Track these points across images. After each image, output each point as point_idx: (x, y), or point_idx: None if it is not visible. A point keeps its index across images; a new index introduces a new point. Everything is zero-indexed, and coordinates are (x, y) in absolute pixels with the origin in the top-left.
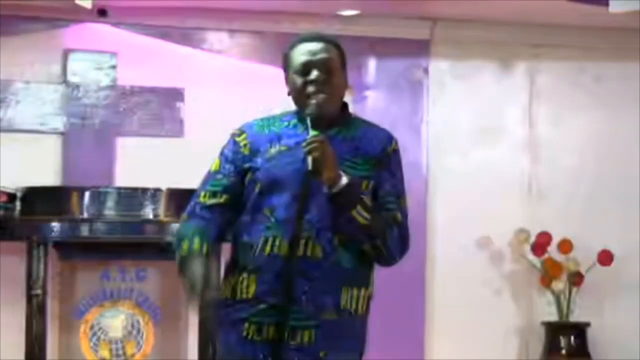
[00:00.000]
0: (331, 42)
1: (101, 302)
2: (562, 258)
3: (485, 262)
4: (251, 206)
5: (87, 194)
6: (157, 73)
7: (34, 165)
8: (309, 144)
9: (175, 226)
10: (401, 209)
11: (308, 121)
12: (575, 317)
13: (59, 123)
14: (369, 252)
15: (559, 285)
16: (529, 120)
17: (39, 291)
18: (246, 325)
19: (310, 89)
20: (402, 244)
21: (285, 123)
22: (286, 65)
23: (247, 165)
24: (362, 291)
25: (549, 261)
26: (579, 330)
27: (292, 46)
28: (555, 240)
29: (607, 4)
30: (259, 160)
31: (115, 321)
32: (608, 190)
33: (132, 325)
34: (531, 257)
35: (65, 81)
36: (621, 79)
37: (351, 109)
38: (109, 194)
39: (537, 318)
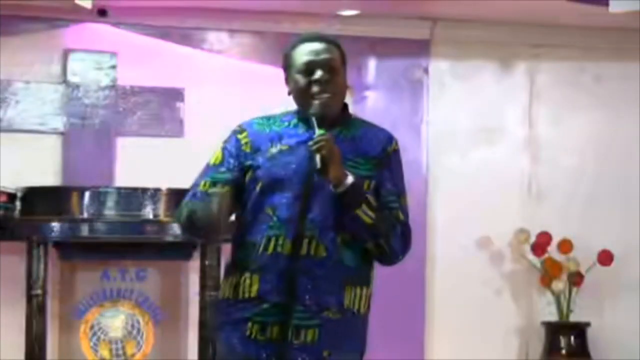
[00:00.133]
0: (332, 42)
1: (101, 302)
2: (562, 258)
3: (485, 262)
4: (252, 205)
5: (87, 194)
6: (157, 73)
7: (34, 165)
8: (316, 142)
9: (175, 226)
10: (403, 208)
11: (313, 120)
12: (575, 317)
13: (59, 123)
14: (372, 251)
15: (559, 285)
16: (529, 120)
17: (39, 291)
18: (249, 324)
19: (315, 88)
20: (405, 242)
21: (286, 123)
22: (287, 65)
23: (248, 162)
24: (364, 290)
25: (549, 261)
26: (579, 330)
27: (293, 46)
28: (555, 240)
29: (607, 4)
30: (259, 159)
31: (115, 321)
32: (608, 190)
33: (132, 325)
34: (531, 257)
35: (65, 81)
36: (621, 79)
37: (351, 109)
38: (109, 194)
39: (537, 318)
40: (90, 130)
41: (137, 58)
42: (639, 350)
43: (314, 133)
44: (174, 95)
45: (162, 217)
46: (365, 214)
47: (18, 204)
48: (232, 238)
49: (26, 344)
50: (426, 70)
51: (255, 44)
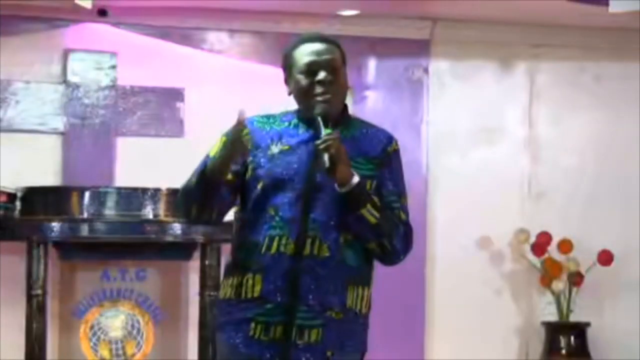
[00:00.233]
0: (332, 42)
1: (101, 302)
2: (562, 258)
3: (485, 262)
4: (253, 205)
5: (87, 194)
6: (157, 73)
7: (34, 165)
8: (324, 141)
9: (175, 226)
10: (404, 208)
11: (319, 120)
12: (575, 317)
13: (59, 123)
14: (374, 251)
15: (559, 285)
16: (529, 120)
17: (39, 291)
18: (252, 325)
19: (318, 89)
20: (407, 242)
21: (286, 123)
22: (288, 65)
23: (249, 158)
24: (366, 290)
25: (549, 261)
26: (579, 330)
27: (294, 46)
28: (555, 240)
29: (607, 4)
30: (260, 157)
31: (115, 321)
32: (608, 190)
33: (132, 325)
34: (531, 257)
35: (65, 81)
36: (621, 79)
37: (351, 109)
38: (109, 194)
39: (537, 318)
40: (90, 130)
41: (137, 58)
42: (639, 350)
43: (314, 133)
44: (174, 95)
45: (162, 217)
46: (370, 214)
47: (18, 204)
48: (232, 238)
49: (26, 344)
50: (426, 70)
51: (255, 44)
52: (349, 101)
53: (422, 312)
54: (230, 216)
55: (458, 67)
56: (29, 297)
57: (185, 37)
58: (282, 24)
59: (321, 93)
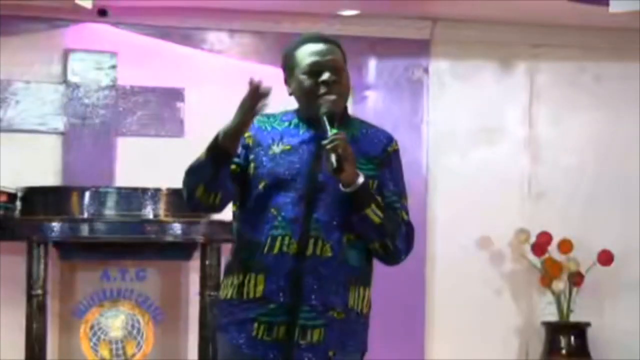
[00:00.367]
0: (334, 42)
1: (101, 302)
2: (562, 258)
3: (485, 262)
4: (254, 204)
5: (87, 194)
6: (157, 73)
7: (34, 165)
8: (331, 141)
9: (175, 226)
10: (405, 208)
11: (324, 120)
12: (575, 317)
13: (59, 123)
14: (377, 251)
15: (559, 285)
16: (529, 120)
17: (39, 291)
18: (255, 325)
19: (323, 90)
20: (409, 242)
21: (286, 123)
22: (289, 65)
23: (251, 156)
24: (367, 290)
25: (549, 261)
26: (579, 330)
27: (295, 47)
28: (555, 240)
29: (607, 4)
30: (262, 155)
31: (115, 321)
32: (608, 190)
33: (132, 325)
34: (531, 257)
35: (65, 81)
36: (621, 79)
37: (351, 109)
38: (109, 194)
39: (537, 318)
40: (90, 130)
41: (137, 58)
42: (639, 350)
43: (315, 132)
44: (174, 95)
45: (162, 217)
46: (375, 214)
47: (18, 204)
48: (233, 236)
49: (26, 343)
50: (426, 70)
51: (255, 44)
52: (349, 101)
53: (422, 312)
54: (230, 216)
55: (458, 67)
56: (29, 297)
57: (185, 37)
58: (282, 24)
59: (326, 93)
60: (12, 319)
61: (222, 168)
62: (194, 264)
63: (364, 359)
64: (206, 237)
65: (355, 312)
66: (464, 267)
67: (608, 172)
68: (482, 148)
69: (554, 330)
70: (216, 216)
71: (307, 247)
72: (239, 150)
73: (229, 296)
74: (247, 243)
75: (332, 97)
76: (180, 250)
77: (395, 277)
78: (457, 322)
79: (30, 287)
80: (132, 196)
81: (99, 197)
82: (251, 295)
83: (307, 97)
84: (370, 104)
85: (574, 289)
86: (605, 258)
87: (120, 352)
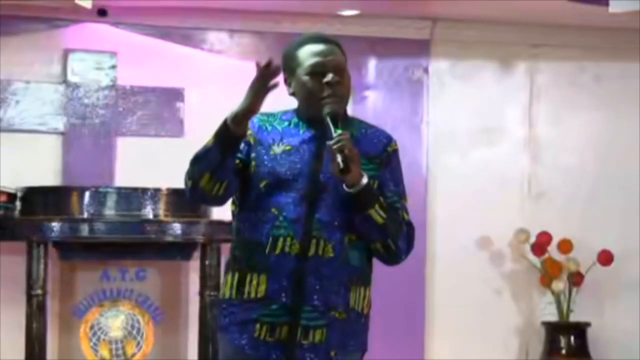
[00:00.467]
0: (334, 42)
1: (101, 302)
2: (562, 258)
3: (485, 262)
4: (255, 203)
5: (87, 194)
6: (157, 73)
7: (34, 165)
8: (337, 141)
9: (175, 226)
10: (405, 209)
11: (328, 121)
12: (575, 317)
13: (59, 123)
14: (378, 251)
15: (559, 285)
16: (529, 120)
17: (39, 291)
18: (257, 326)
19: (327, 91)
20: (410, 242)
21: (286, 123)
22: (290, 66)
23: (253, 154)
24: (367, 290)
25: (549, 261)
26: (579, 330)
27: (297, 47)
28: (555, 240)
29: (607, 4)
30: (263, 154)
31: (115, 321)
32: (608, 190)
33: (132, 325)
34: (531, 257)
35: (65, 81)
36: (621, 78)
37: (351, 109)
38: (109, 194)
39: (537, 318)
40: (90, 130)
41: (137, 58)
42: (639, 350)
43: (315, 132)
44: (174, 95)
45: (162, 217)
46: (378, 214)
47: (18, 204)
48: (232, 236)
49: (26, 343)
50: (426, 70)
51: (255, 44)
52: (348, 101)
53: (422, 312)
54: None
55: (458, 67)
56: (29, 297)
57: (185, 37)
58: (282, 24)
59: (330, 94)
60: (12, 318)
61: (230, 154)
62: (194, 264)
63: (363, 358)
64: (206, 237)
65: (356, 312)
66: (464, 267)
67: (608, 172)
68: (482, 148)
69: (554, 330)
70: (216, 216)
71: (309, 247)
72: (242, 146)
73: (228, 295)
74: (247, 242)
75: (336, 97)
76: (180, 250)
77: (395, 277)
78: (457, 322)
79: (30, 287)
80: (132, 196)
81: (99, 197)
82: (252, 295)
83: (310, 98)
84: (370, 104)
85: (574, 289)
86: (605, 258)
87: (120, 352)
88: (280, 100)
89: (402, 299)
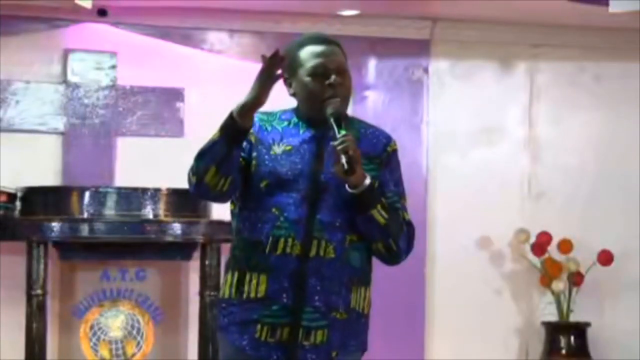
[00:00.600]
0: (335, 42)
1: (101, 302)
2: (562, 258)
3: (485, 262)
4: (255, 203)
5: (87, 194)
6: (157, 73)
7: (34, 165)
8: (341, 142)
9: (175, 226)
10: (405, 209)
11: (332, 122)
12: (575, 317)
13: (59, 123)
14: (379, 251)
15: (559, 285)
16: (529, 120)
17: (39, 291)
18: (258, 326)
19: (329, 92)
20: (410, 242)
21: (286, 122)
22: (291, 66)
23: (254, 153)
24: (368, 291)
25: (549, 261)
26: (579, 330)
27: (298, 48)
28: (555, 240)
29: (607, 4)
30: (263, 153)
31: (115, 321)
32: (608, 190)
33: (132, 325)
34: (531, 257)
35: (65, 81)
36: (621, 78)
37: (351, 109)
38: (109, 194)
39: (537, 318)
40: (90, 130)
41: (137, 58)
42: (639, 350)
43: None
44: (174, 95)
45: (162, 217)
46: (380, 215)
47: (18, 204)
48: (232, 235)
49: (26, 343)
50: (426, 70)
51: (255, 44)
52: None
53: (422, 312)
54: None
55: (458, 67)
56: (29, 297)
57: (185, 37)
58: (282, 24)
59: (332, 95)
60: (12, 319)
61: (236, 147)
62: (194, 264)
63: (363, 357)
64: (206, 237)
65: (356, 312)
66: (464, 267)
67: (608, 172)
68: (482, 148)
69: (554, 330)
70: (216, 216)
71: (310, 248)
72: (244, 144)
73: (227, 295)
74: (247, 242)
75: (338, 98)
76: (180, 250)
77: (395, 277)
78: (457, 322)
79: (30, 287)
80: (132, 196)
81: (99, 197)
82: (252, 295)
83: (312, 99)
84: (370, 104)
85: (574, 289)
86: (605, 258)
87: (120, 352)
88: (280, 100)
89: (402, 299)
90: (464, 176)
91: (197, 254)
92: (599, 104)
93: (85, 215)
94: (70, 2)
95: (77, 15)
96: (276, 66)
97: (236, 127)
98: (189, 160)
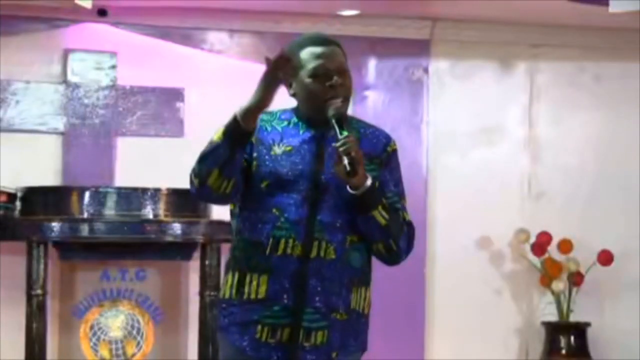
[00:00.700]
0: (336, 43)
1: (101, 302)
2: (562, 258)
3: (485, 262)
4: (256, 203)
5: (87, 194)
6: (157, 73)
7: (34, 165)
8: (343, 144)
9: (175, 226)
10: (405, 209)
11: (334, 123)
12: (575, 317)
13: (59, 123)
14: (379, 252)
15: (559, 285)
16: (529, 120)
17: (39, 291)
18: (259, 327)
19: (331, 93)
20: (410, 243)
21: (285, 122)
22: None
23: (255, 153)
24: (368, 291)
25: (549, 261)
26: (579, 330)
27: (299, 48)
28: (555, 240)
29: (607, 4)
30: (264, 154)
31: (115, 321)
32: (608, 190)
33: (132, 325)
34: (531, 257)
35: (65, 81)
36: (621, 78)
37: (351, 109)
38: (109, 194)
39: (537, 318)
40: (90, 130)
41: (137, 58)
42: (639, 350)
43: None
44: (174, 95)
45: (162, 217)
46: (381, 215)
47: (18, 204)
48: (232, 235)
49: (26, 343)
50: (426, 70)
51: (255, 44)
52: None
53: (422, 312)
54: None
55: (458, 67)
56: (29, 297)
57: (185, 37)
58: (282, 24)
59: (334, 96)
60: (12, 319)
61: (239, 149)
62: (194, 264)
63: (363, 357)
64: (206, 237)
65: (357, 312)
66: (464, 267)
67: (608, 172)
68: (482, 148)
69: (554, 330)
70: (216, 216)
71: (311, 249)
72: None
73: (228, 295)
74: (247, 242)
75: (339, 100)
76: (180, 250)
77: (395, 277)
78: (457, 322)
79: (30, 287)
80: (132, 196)
81: (99, 197)
82: (252, 296)
83: (313, 100)
84: (370, 104)
85: (574, 289)
86: (605, 258)
87: (120, 352)
88: (280, 99)
89: (402, 299)
90: (464, 176)
91: (197, 254)
92: (599, 104)
93: (85, 215)
94: (70, 2)
95: (77, 15)
96: (282, 68)
97: (240, 130)
98: (189, 160)
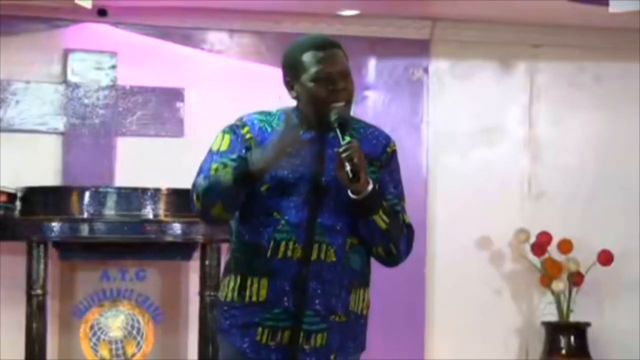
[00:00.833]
0: (337, 45)
1: (101, 302)
2: (562, 258)
3: (485, 262)
4: (256, 206)
5: (87, 194)
6: (157, 73)
7: (34, 165)
8: (346, 150)
9: (175, 226)
10: (404, 211)
11: (336, 127)
12: (575, 317)
13: (59, 123)
14: (379, 254)
15: (559, 285)
16: (529, 120)
17: (39, 291)
18: (259, 330)
19: (333, 97)
20: (410, 245)
21: (285, 123)
22: (294, 70)
23: None
24: (367, 292)
25: (549, 261)
26: (579, 330)
27: (301, 52)
28: (555, 240)
29: (607, 4)
30: None
31: (115, 321)
32: (608, 190)
33: (132, 325)
34: (531, 257)
35: (65, 81)
36: (621, 78)
37: (352, 109)
38: (109, 194)
39: (537, 318)
40: (90, 130)
41: (137, 58)
42: (639, 350)
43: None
44: (174, 95)
45: (162, 217)
46: (382, 219)
47: (18, 204)
48: (233, 237)
49: (26, 343)
50: (426, 70)
51: (255, 44)
52: None
53: (422, 312)
54: None
55: (458, 67)
56: (29, 297)
57: (185, 37)
58: (282, 24)
59: (335, 100)
60: (12, 319)
61: (245, 190)
62: (194, 264)
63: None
64: (206, 237)
65: (355, 314)
66: (464, 267)
67: (608, 172)
68: (482, 148)
69: (554, 330)
70: None
71: (311, 252)
72: (243, 151)
73: (230, 298)
74: (247, 245)
75: (342, 103)
76: (180, 250)
77: (395, 277)
78: (457, 322)
79: (30, 287)
80: (132, 196)
81: (99, 197)
82: (254, 298)
83: (316, 103)
84: (370, 104)
85: (574, 289)
86: (605, 258)
87: (120, 352)
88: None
89: (402, 299)
90: (464, 176)
91: (197, 254)
92: (599, 104)
93: (85, 215)
94: (70, 2)
95: (77, 15)
96: (298, 147)
97: (251, 178)
98: (189, 160)
